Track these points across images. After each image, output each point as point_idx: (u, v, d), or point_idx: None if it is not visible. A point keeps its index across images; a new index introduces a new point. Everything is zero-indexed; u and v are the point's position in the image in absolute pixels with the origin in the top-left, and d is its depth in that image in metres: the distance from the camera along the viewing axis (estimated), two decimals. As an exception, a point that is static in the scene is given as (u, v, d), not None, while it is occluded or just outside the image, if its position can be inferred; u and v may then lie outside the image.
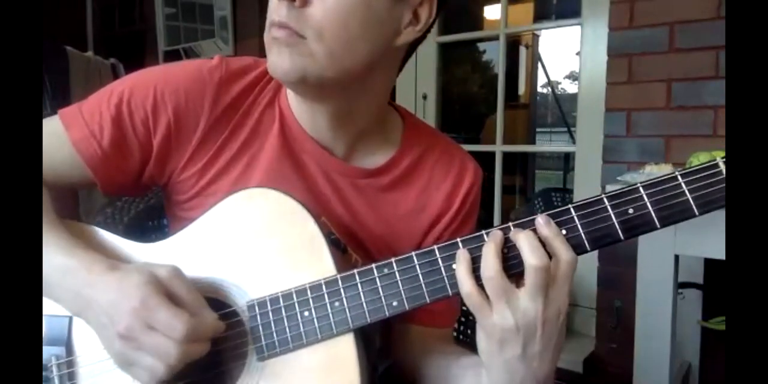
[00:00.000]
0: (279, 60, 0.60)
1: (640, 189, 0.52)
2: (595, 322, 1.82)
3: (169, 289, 0.54)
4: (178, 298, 0.54)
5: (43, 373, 0.60)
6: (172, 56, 2.87)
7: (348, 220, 0.72)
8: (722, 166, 0.50)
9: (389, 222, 0.74)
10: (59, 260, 0.58)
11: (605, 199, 0.52)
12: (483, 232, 0.54)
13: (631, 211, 0.52)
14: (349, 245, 0.70)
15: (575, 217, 0.52)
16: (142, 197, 1.01)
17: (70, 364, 0.61)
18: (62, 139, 0.66)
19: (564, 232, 0.52)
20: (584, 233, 0.52)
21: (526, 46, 4.50)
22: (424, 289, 0.55)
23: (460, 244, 0.54)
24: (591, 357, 1.80)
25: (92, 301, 0.55)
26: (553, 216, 0.53)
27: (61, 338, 0.61)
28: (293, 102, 0.70)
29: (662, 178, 0.52)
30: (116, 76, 2.23)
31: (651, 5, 1.62)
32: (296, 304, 0.58)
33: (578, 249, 0.52)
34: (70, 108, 0.68)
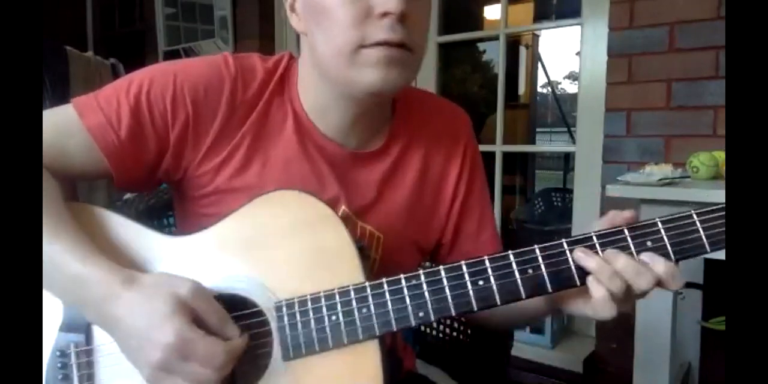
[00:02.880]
0: (392, 77, 0.62)
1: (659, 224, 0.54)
2: (595, 322, 1.82)
3: (195, 311, 0.55)
4: (204, 319, 0.55)
5: (62, 360, 0.60)
6: (172, 56, 2.86)
7: (366, 205, 0.74)
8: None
9: (404, 193, 0.76)
10: (74, 269, 0.56)
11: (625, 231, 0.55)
12: (510, 252, 0.56)
13: (648, 243, 0.54)
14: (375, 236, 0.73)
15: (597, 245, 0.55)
16: (143, 197, 1.01)
17: (89, 352, 0.61)
18: (76, 126, 0.64)
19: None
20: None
21: (526, 46, 4.50)
22: (450, 302, 0.56)
23: (487, 262, 0.56)
24: (591, 357, 1.80)
25: (115, 320, 0.55)
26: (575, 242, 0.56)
27: (81, 325, 0.61)
28: (309, 100, 0.71)
29: (677, 215, 0.54)
30: (116, 76, 2.23)
31: (651, 5, 1.62)
32: (324, 308, 0.58)
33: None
34: (85, 96, 0.67)
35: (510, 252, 0.56)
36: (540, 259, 0.55)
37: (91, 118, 0.64)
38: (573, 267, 0.54)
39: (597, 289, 0.53)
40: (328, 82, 0.67)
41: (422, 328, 1.08)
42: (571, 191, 2.11)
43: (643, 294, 0.54)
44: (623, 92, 1.69)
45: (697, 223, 0.53)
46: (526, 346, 1.87)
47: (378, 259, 0.74)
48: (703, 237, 0.52)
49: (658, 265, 0.52)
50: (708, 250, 0.52)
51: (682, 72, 1.59)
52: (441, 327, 1.05)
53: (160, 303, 0.54)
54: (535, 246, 0.56)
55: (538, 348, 1.87)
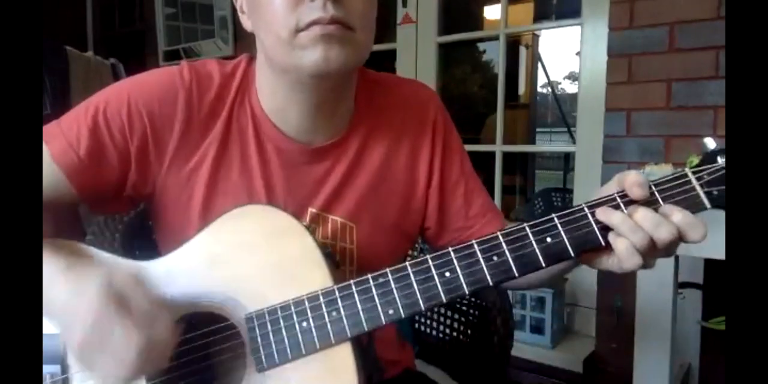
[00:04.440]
0: (334, 55, 0.61)
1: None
2: (595, 322, 1.82)
3: (124, 295, 0.55)
4: (131, 305, 0.55)
5: None
6: (172, 56, 2.87)
7: (333, 198, 0.73)
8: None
9: (371, 178, 0.75)
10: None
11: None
12: (473, 241, 0.57)
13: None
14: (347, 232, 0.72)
15: (558, 225, 0.56)
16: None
17: (65, 381, 0.61)
18: (45, 155, 0.66)
19: (549, 239, 0.56)
20: (567, 239, 0.56)
21: (526, 46, 4.50)
22: (419, 296, 0.57)
23: (452, 253, 0.57)
24: (591, 357, 1.80)
25: (52, 303, 0.56)
26: (537, 224, 0.56)
27: (56, 356, 0.61)
28: (268, 100, 0.71)
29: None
30: (116, 76, 2.23)
31: (651, 5, 1.62)
32: (294, 315, 0.59)
33: (564, 254, 0.56)
34: (50, 124, 0.68)
35: (474, 241, 0.57)
36: (504, 245, 0.56)
37: (54, 145, 0.66)
38: (537, 249, 0.55)
39: (620, 242, 0.54)
40: (279, 75, 0.67)
41: (422, 328, 1.08)
42: (571, 191, 2.11)
43: (669, 248, 0.55)
44: (623, 92, 1.69)
45: (693, 181, 0.53)
46: (526, 346, 1.87)
47: (354, 248, 0.74)
48: (701, 194, 0.53)
49: (676, 214, 0.53)
50: (708, 206, 0.53)
51: (682, 72, 1.59)
52: (441, 327, 1.05)
53: (91, 285, 0.55)
54: (498, 232, 0.56)
55: (538, 348, 1.87)
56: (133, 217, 0.99)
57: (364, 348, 0.61)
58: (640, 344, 1.25)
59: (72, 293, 0.55)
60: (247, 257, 0.62)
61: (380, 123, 0.76)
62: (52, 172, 0.66)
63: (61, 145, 0.66)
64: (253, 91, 0.72)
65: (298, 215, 0.69)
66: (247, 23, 0.70)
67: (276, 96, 0.70)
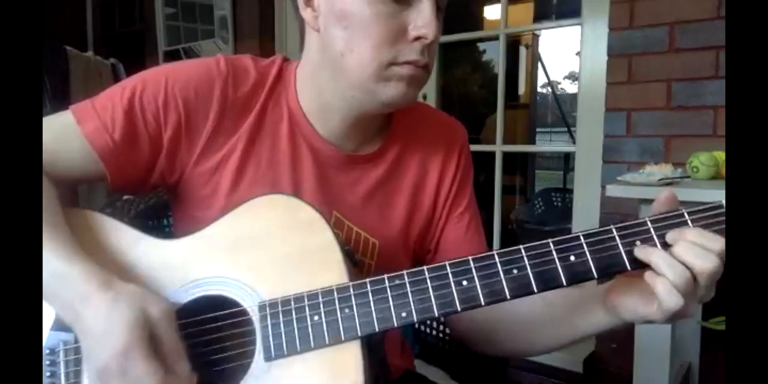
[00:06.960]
0: (411, 94, 0.67)
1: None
2: (595, 322, 1.82)
3: (155, 332, 0.54)
4: (160, 343, 0.54)
5: (50, 358, 0.60)
6: (172, 56, 2.87)
7: (360, 209, 0.74)
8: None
9: (402, 198, 0.77)
10: (57, 266, 0.57)
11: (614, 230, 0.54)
12: (495, 251, 0.55)
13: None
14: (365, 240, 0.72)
15: (584, 244, 0.53)
16: (142, 197, 1.01)
17: (78, 350, 0.60)
18: (75, 132, 0.66)
19: (572, 258, 0.53)
20: (592, 260, 0.53)
21: (526, 46, 4.51)
22: (433, 302, 0.56)
23: (471, 262, 0.55)
24: (591, 357, 1.80)
25: (82, 319, 0.55)
26: (562, 241, 0.54)
27: (69, 325, 0.60)
28: (308, 100, 0.72)
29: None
30: (116, 75, 2.23)
31: (651, 5, 1.62)
32: (307, 308, 0.58)
33: (588, 274, 0.53)
34: (83, 103, 0.68)
35: (495, 252, 0.55)
36: (525, 259, 0.54)
37: (87, 124, 0.66)
38: (559, 267, 0.53)
39: (659, 282, 0.50)
40: (339, 83, 0.68)
41: (422, 328, 1.08)
42: (571, 191, 2.11)
43: (711, 284, 0.51)
44: (623, 92, 1.69)
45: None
46: (526, 346, 1.86)
47: (374, 265, 0.74)
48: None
49: (716, 242, 0.50)
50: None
51: (682, 72, 1.59)
52: (441, 327, 1.05)
53: (125, 313, 0.53)
54: (520, 246, 0.55)
55: (538, 348, 1.87)
56: (134, 217, 0.99)
57: (374, 349, 0.60)
58: (640, 344, 1.25)
59: (105, 317, 0.53)
60: (267, 245, 0.62)
61: (414, 142, 0.78)
62: (83, 149, 0.66)
63: (95, 125, 0.66)
64: (291, 90, 0.72)
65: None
66: (313, 21, 0.68)
67: (321, 99, 0.71)
